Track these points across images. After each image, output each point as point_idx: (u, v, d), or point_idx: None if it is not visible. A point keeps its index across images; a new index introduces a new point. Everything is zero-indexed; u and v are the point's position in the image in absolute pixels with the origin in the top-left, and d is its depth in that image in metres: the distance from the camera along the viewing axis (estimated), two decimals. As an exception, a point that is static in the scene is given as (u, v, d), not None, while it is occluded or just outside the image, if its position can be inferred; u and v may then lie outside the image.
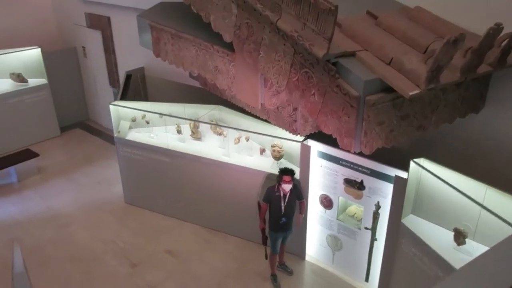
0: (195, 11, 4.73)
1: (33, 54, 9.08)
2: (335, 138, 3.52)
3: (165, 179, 6.61)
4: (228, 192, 6.08)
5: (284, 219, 5.16)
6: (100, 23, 8.80)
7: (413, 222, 4.56)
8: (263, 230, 5.29)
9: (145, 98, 8.24)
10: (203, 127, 6.44)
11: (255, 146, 5.98)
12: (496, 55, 3.44)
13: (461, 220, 4.08)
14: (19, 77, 8.98)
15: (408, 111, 3.53)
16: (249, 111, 5.49)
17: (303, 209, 5.33)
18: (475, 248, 4.01)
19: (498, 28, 3.05)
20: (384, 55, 3.28)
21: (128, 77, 7.75)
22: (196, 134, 6.39)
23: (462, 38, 2.80)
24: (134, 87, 7.98)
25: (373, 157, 4.27)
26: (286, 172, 4.98)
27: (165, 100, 7.05)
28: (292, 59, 3.61)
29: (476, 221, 3.95)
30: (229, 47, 4.55)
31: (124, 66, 8.50)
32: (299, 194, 5.18)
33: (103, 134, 9.99)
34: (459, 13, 4.06)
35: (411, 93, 3.01)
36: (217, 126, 6.22)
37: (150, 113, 6.61)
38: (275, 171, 5.48)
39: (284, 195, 5.04)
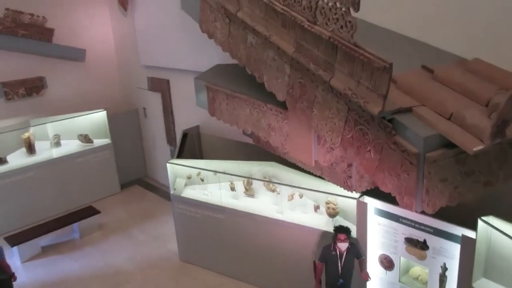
0: (249, 72, 4.92)
1: (99, 116, 9.78)
2: (394, 196, 3.39)
3: (219, 236, 6.60)
4: (281, 250, 5.94)
5: (341, 281, 4.90)
6: (160, 86, 9.38)
7: (486, 287, 4.16)
8: (318, 291, 5.06)
9: (200, 155, 8.48)
10: (256, 184, 6.47)
11: (309, 203, 5.88)
12: None
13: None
14: (85, 138, 9.64)
15: (473, 167, 3.34)
16: (302, 167, 5.47)
17: (364, 266, 5.04)
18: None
19: None
20: (443, 110, 3.19)
21: (185, 135, 8.06)
22: (249, 191, 6.41)
23: (528, 90, 2.67)
24: (190, 145, 8.27)
25: (436, 215, 4.02)
26: (340, 230, 4.82)
27: (219, 157, 7.22)
28: (346, 116, 3.60)
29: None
30: (282, 105, 4.65)
31: (181, 125, 8.88)
32: (357, 252, 4.95)
33: (160, 190, 10.29)
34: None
35: (475, 149, 2.87)
36: (270, 183, 6.22)
37: (205, 171, 6.75)
38: (330, 229, 5.30)
39: (341, 255, 4.83)
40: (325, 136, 3.94)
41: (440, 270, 4.63)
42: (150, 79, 9.61)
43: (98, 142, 9.80)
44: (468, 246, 4.17)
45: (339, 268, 4.85)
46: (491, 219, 4.00)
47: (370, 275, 4.97)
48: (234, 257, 6.56)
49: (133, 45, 9.74)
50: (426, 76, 3.80)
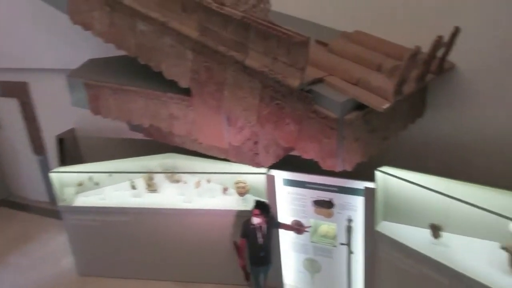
0: (143, 62, 4.68)
1: None
2: (299, 163, 3.68)
3: (125, 240, 6.21)
4: (197, 239, 5.90)
5: (263, 253, 5.14)
6: (16, 90, 8.20)
7: (387, 228, 4.84)
8: (244, 267, 5.22)
9: (80, 160, 7.76)
10: (158, 178, 6.24)
11: (217, 187, 5.93)
12: (436, 64, 3.92)
13: (432, 216, 4.44)
14: None
15: (375, 125, 3.82)
16: (204, 153, 5.47)
17: (289, 226, 5.36)
18: (451, 239, 4.36)
19: (440, 39, 3.49)
20: (349, 77, 3.56)
21: (61, 141, 7.27)
22: (152, 187, 6.16)
23: (419, 51, 3.17)
24: (67, 151, 7.50)
25: (337, 175, 4.47)
26: (256, 205, 5.03)
27: (105, 158, 6.72)
28: (261, 94, 3.74)
29: (446, 213, 4.32)
30: (185, 92, 4.56)
31: (51, 131, 7.95)
32: (274, 221, 5.24)
33: (32, 207, 9.09)
34: (390, 31, 4.53)
35: (383, 107, 3.29)
36: (174, 174, 6.07)
37: (98, 174, 6.24)
38: (245, 207, 5.48)
39: (260, 227, 5.05)
40: (239, 116, 4.02)
41: (346, 223, 5.20)
42: (1, 83, 8.31)
43: None
44: (369, 196, 4.76)
45: (260, 240, 5.07)
46: (386, 169, 4.63)
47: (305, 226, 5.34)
48: (144, 258, 6.26)
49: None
50: (322, 49, 4.17)
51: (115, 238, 6.23)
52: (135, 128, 6.19)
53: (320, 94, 3.41)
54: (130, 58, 4.82)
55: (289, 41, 3.18)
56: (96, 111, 5.68)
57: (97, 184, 6.33)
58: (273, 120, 3.79)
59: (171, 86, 4.55)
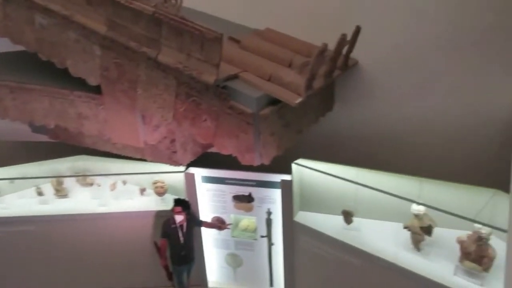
0: (44, 58, 4.34)
1: None
2: (219, 159, 3.72)
3: (32, 252, 5.73)
4: (115, 243, 5.65)
5: (184, 252, 5.09)
6: None
7: (304, 217, 5.07)
8: (166, 267, 5.15)
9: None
10: (68, 182, 5.85)
11: (134, 188, 5.73)
12: (342, 60, 4.16)
13: (343, 203, 4.74)
14: None
15: (289, 119, 3.96)
16: (118, 154, 5.25)
17: (211, 224, 5.37)
18: (362, 223, 4.69)
19: (345, 37, 3.71)
20: (263, 73, 3.64)
21: None
22: (61, 192, 5.76)
23: (326, 48, 3.34)
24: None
25: (255, 169, 4.57)
26: (177, 202, 4.98)
27: (5, 164, 6.13)
28: (176, 91, 3.68)
29: (356, 200, 4.64)
30: (95, 90, 4.33)
31: None
32: (196, 220, 5.21)
33: None
34: (298, 30, 4.71)
35: (296, 101, 3.43)
36: (86, 177, 5.73)
37: (-2, 182, 5.69)
38: (164, 207, 5.37)
39: (181, 226, 4.99)
40: (155, 114, 3.92)
41: (266, 216, 5.34)
42: None
43: None
44: (286, 188, 4.94)
45: (181, 239, 5.01)
46: (301, 161, 4.83)
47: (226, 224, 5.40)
48: (56, 270, 5.83)
49: None
50: (235, 46, 4.20)
51: (19, 251, 5.72)
52: (38, 130, 5.71)
53: (235, 90, 3.44)
54: (32, 54, 4.45)
55: (203, 37, 3.16)
56: (-9, 112, 5.16)
57: (-4, 193, 5.77)
58: (190, 117, 3.74)
59: (80, 83, 4.28)
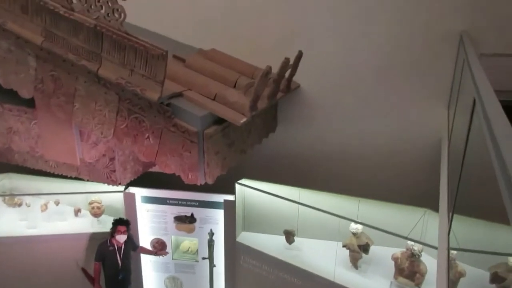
0: (-29, 68, 4.04)
1: None
2: (160, 179, 3.65)
3: None
4: (45, 268, 5.22)
5: (122, 275, 4.85)
6: None
7: (247, 238, 5.04)
8: (100, 293, 4.85)
9: None
10: (-8, 203, 5.40)
11: (68, 209, 5.40)
12: (285, 83, 4.27)
13: (285, 223, 4.78)
14: None
15: (233, 138, 3.97)
16: (51, 172, 4.95)
17: (148, 250, 5.17)
18: (303, 243, 4.75)
19: (288, 61, 3.82)
20: (208, 92, 3.64)
21: None
22: (-16, 213, 5.29)
23: (270, 71, 3.42)
24: None
25: (197, 189, 4.50)
26: (121, 222, 4.77)
27: None
28: (118, 107, 3.57)
29: (298, 220, 4.71)
30: (27, 103, 4.09)
31: None
32: (133, 243, 4.99)
33: None
34: (243, 51, 4.78)
35: (241, 121, 3.45)
36: (13, 196, 5.32)
37: None
38: (100, 229, 5.11)
39: (119, 248, 4.77)
40: (93, 130, 3.76)
41: (208, 237, 5.24)
42: None
43: None
44: (229, 208, 4.90)
45: (119, 262, 4.78)
46: (245, 181, 4.84)
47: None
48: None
49: None
50: (180, 64, 4.18)
51: None
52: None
53: (180, 108, 3.40)
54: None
55: (147, 53, 3.10)
56: None
57: None
58: (131, 134, 3.64)
59: (10, 96, 4.03)
